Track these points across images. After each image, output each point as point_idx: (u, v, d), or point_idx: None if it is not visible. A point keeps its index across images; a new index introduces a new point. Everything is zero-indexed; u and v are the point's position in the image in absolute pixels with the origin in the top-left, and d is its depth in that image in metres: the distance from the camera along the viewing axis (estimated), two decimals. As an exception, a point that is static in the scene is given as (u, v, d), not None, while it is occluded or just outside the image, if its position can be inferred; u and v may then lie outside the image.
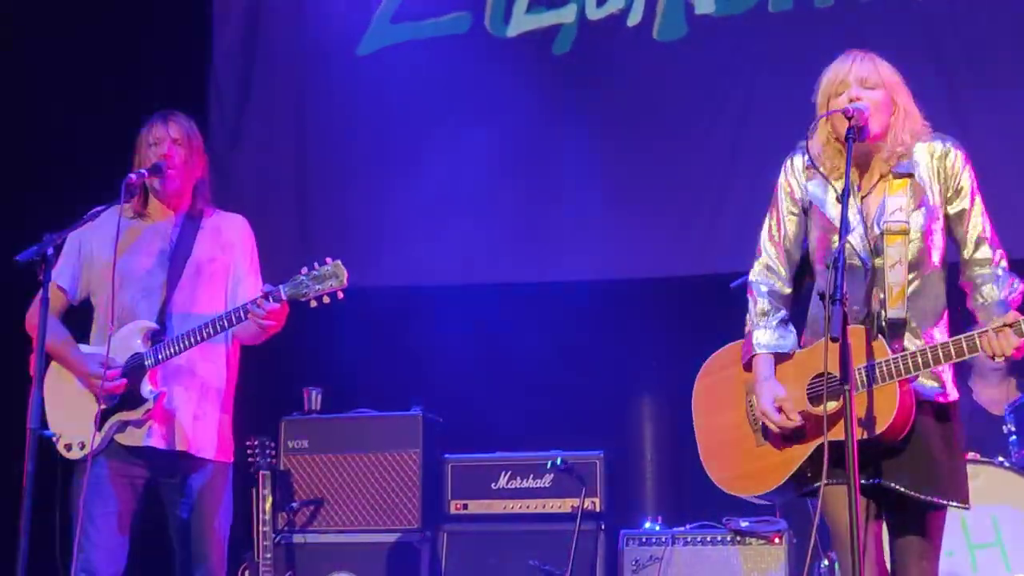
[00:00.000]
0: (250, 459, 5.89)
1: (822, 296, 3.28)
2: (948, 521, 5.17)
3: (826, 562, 5.45)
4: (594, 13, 6.87)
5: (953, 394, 3.49)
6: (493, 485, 6.03)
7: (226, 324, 4.10)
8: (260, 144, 7.20)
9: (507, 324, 6.78)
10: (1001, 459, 5.33)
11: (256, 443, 5.90)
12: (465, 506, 6.06)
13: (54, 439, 4.15)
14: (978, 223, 3.47)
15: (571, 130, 6.79)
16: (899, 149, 3.47)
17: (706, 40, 6.68)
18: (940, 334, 3.44)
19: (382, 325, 6.75)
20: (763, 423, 3.51)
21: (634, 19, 6.79)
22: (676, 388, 6.72)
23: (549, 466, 5.88)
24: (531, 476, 6.00)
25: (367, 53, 7.15)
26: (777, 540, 5.62)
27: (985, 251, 3.46)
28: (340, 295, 4.04)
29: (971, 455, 5.41)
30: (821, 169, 3.50)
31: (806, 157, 3.56)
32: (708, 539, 5.71)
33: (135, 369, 4.14)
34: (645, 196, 6.63)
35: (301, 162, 7.15)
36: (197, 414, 4.21)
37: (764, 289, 3.65)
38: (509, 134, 6.82)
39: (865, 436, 3.26)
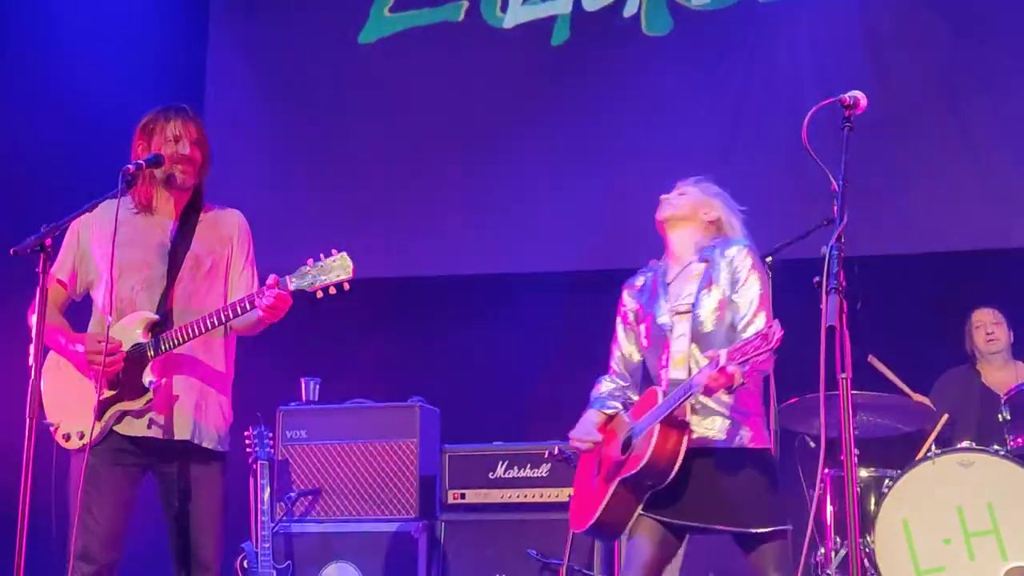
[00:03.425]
0: (248, 449, 5.90)
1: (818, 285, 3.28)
2: (944, 510, 5.23)
3: (822, 551, 5.47)
4: (590, 4, 6.87)
5: (744, 441, 3.93)
6: (491, 474, 6.04)
7: (231, 315, 4.09)
8: (259, 134, 7.20)
9: (505, 314, 6.79)
10: (997, 447, 5.35)
11: (254, 433, 5.92)
12: (463, 495, 6.07)
13: (52, 429, 4.15)
14: (754, 309, 3.94)
15: (568, 121, 6.79)
16: (704, 243, 4.12)
17: (697, 34, 6.70)
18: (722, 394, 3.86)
19: (380, 316, 6.76)
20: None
21: (629, 10, 6.80)
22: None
23: (547, 455, 5.89)
24: (528, 465, 6.01)
25: (368, 42, 7.15)
26: (774, 529, 5.62)
27: (752, 330, 3.86)
28: (347, 287, 4.02)
29: (967, 443, 5.44)
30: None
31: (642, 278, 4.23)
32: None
33: (136, 359, 4.14)
34: (642, 187, 6.60)
35: (299, 152, 7.15)
36: (199, 404, 4.20)
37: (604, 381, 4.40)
38: (505, 124, 6.82)
39: (633, 472, 3.84)
